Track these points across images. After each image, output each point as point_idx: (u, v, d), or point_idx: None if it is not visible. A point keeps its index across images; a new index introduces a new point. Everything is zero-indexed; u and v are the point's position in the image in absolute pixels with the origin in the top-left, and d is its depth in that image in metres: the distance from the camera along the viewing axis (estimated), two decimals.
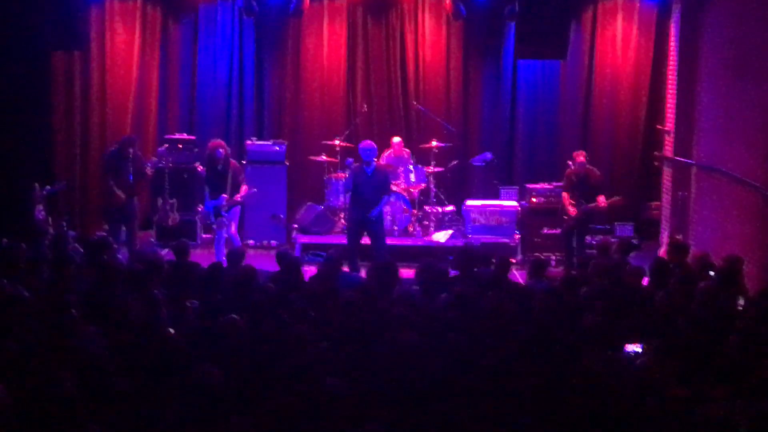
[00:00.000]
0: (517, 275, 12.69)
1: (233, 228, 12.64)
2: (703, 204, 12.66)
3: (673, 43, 13.74)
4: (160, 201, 14.10)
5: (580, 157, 13.12)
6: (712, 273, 9.52)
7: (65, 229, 12.63)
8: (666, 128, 13.87)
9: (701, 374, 6.68)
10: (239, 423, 5.81)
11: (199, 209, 13.42)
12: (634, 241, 14.29)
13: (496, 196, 14.71)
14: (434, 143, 14.44)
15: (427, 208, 14.48)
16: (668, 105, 13.85)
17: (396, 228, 14.06)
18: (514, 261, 13.59)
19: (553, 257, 13.39)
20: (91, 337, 7.23)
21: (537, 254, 13.04)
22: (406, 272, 10.21)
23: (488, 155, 14.88)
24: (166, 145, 14.51)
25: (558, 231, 13.66)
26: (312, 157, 14.81)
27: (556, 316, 7.97)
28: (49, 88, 14.49)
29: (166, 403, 6.18)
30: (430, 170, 14.39)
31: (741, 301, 8.69)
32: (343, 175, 14.00)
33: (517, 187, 14.91)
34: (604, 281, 9.07)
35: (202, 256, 12.73)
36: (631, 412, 6.11)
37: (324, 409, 5.99)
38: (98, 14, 14.76)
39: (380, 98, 15.58)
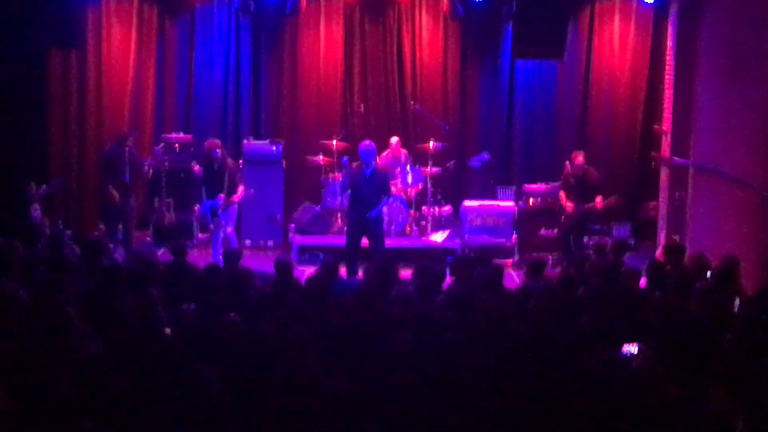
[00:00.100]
0: (514, 275, 12.70)
1: (230, 228, 12.62)
2: (700, 204, 12.66)
3: (670, 43, 13.73)
4: (156, 200, 14.09)
5: (579, 157, 13.13)
6: (708, 273, 9.51)
7: (61, 228, 12.61)
8: (663, 128, 13.87)
9: (698, 374, 6.68)
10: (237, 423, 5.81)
11: (196, 209, 13.41)
12: (631, 242, 14.37)
13: (494, 197, 14.72)
14: (431, 144, 14.44)
15: (424, 208, 14.48)
16: (665, 105, 13.84)
17: (393, 229, 14.05)
18: (511, 262, 13.65)
19: (550, 258, 13.37)
20: (87, 336, 7.22)
21: (534, 255, 13.04)
22: (404, 273, 10.20)
23: (485, 156, 14.88)
24: (163, 145, 14.49)
25: (555, 232, 13.67)
26: (309, 157, 14.80)
27: (553, 317, 7.97)
28: (45, 87, 14.49)
29: (162, 403, 6.17)
30: (427, 171, 14.38)
31: (737, 301, 8.68)
32: (340, 176, 13.99)
33: (515, 188, 14.92)
34: (601, 282, 9.06)
35: (198, 256, 12.74)
36: (628, 412, 6.10)
37: (321, 409, 5.98)
38: (95, 13, 14.73)
39: (377, 98, 15.59)
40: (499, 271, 9.78)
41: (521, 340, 7.40)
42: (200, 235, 14.51)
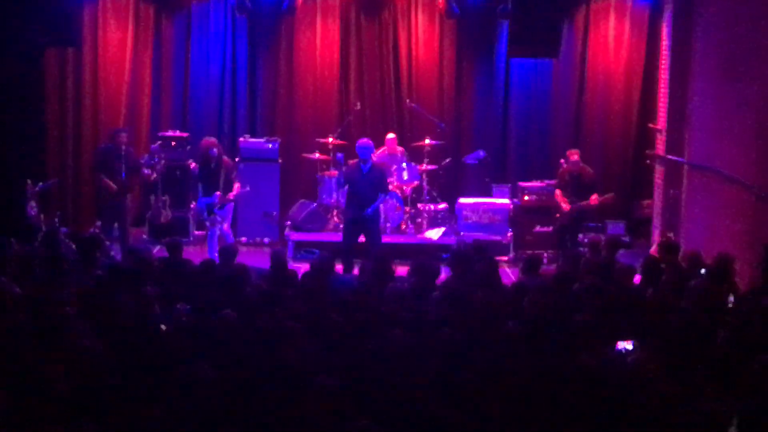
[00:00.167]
0: (509, 272, 12.73)
1: (226, 225, 12.64)
2: (695, 202, 12.70)
3: (665, 43, 13.78)
4: (152, 198, 14.09)
5: (574, 155, 13.17)
6: (702, 271, 9.55)
7: (57, 225, 12.62)
8: (658, 127, 13.90)
9: (692, 371, 6.71)
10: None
11: (192, 206, 13.41)
12: (625, 239, 14.40)
13: (489, 194, 14.73)
14: (427, 141, 14.45)
15: (419, 205, 14.50)
16: (660, 104, 13.89)
17: (389, 225, 14.07)
18: (506, 258, 13.68)
19: (545, 255, 13.41)
20: (84, 334, 7.23)
21: (529, 252, 13.10)
22: (399, 270, 10.24)
23: (481, 153, 14.90)
24: (159, 143, 14.50)
25: (550, 229, 13.71)
26: (305, 155, 14.81)
27: (548, 314, 7.99)
28: (42, 85, 14.50)
29: (158, 400, 6.19)
30: (422, 168, 14.40)
31: (731, 299, 8.72)
32: (335, 173, 14.01)
33: (510, 185, 14.94)
34: (595, 279, 9.09)
35: (194, 253, 12.73)
36: (623, 409, 6.13)
37: (316, 407, 6.00)
38: (91, 11, 14.74)
39: (373, 96, 15.60)
40: (495, 265, 9.82)
41: (516, 337, 7.43)
42: (196, 232, 14.53)
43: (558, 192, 13.29)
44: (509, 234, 14.11)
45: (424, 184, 14.46)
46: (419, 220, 14.42)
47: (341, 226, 13.51)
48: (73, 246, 11.05)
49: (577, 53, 15.35)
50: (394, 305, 8.23)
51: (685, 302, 8.40)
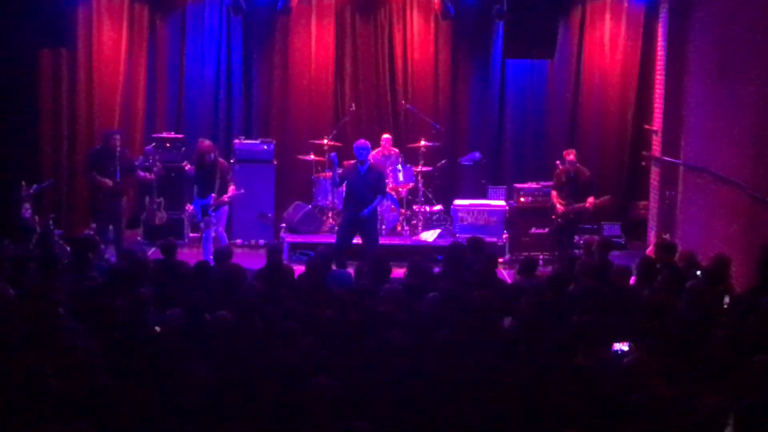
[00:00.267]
0: (505, 274, 12.71)
1: (220, 227, 12.61)
2: (690, 203, 12.69)
3: (660, 43, 13.77)
4: (147, 199, 14.07)
5: (570, 155, 13.17)
6: (698, 272, 9.54)
7: (51, 227, 12.59)
8: (654, 128, 13.90)
9: (688, 372, 6.70)
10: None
11: (187, 208, 13.39)
12: (621, 240, 14.41)
13: (485, 196, 14.74)
14: (423, 143, 14.44)
15: (415, 207, 14.48)
16: (656, 105, 13.88)
17: (384, 227, 14.05)
18: (502, 260, 13.66)
19: (541, 257, 13.39)
20: (77, 335, 7.21)
21: (525, 254, 13.09)
22: (395, 271, 10.21)
23: (476, 155, 14.90)
24: (154, 144, 14.47)
25: (546, 230, 13.69)
26: (300, 156, 14.79)
27: (544, 315, 7.98)
28: (36, 87, 14.47)
29: (153, 401, 6.17)
30: (418, 169, 14.39)
31: (726, 300, 8.71)
32: (330, 174, 13.98)
33: (505, 187, 14.94)
34: (590, 280, 9.08)
35: (189, 255, 12.73)
36: (619, 409, 6.12)
37: (311, 407, 5.98)
38: (85, 12, 14.70)
39: (368, 97, 15.58)
40: (493, 261, 9.80)
41: (513, 338, 7.41)
42: (191, 234, 14.50)
43: (554, 193, 13.28)
44: (505, 236, 14.11)
45: (420, 185, 14.45)
46: (414, 221, 14.41)
47: (336, 227, 13.50)
48: (68, 247, 11.04)
49: (573, 54, 15.35)
50: (391, 306, 8.22)
51: (681, 303, 8.38)
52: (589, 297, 8.37)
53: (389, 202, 14.06)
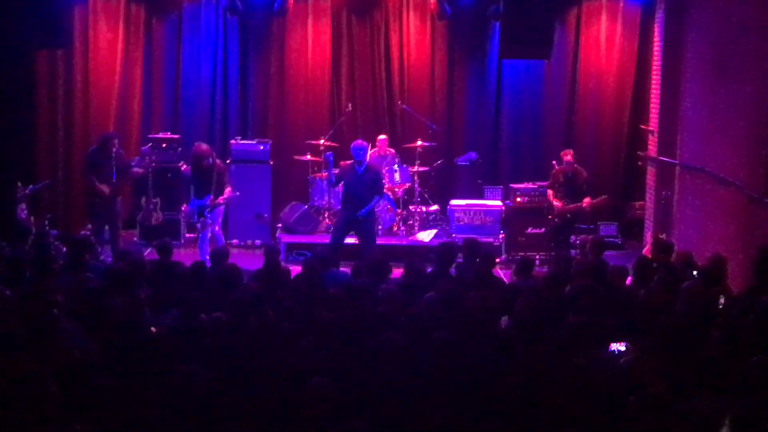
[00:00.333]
0: (502, 274, 12.71)
1: (217, 228, 12.60)
2: (686, 203, 12.70)
3: (657, 43, 13.78)
4: (143, 200, 14.06)
5: (568, 156, 13.19)
6: (695, 272, 9.54)
7: (47, 227, 12.57)
8: (650, 128, 13.91)
9: (684, 373, 6.70)
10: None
11: (183, 208, 13.38)
12: (618, 240, 14.41)
13: (481, 196, 14.75)
14: (419, 143, 14.45)
15: (411, 207, 14.49)
16: (652, 105, 13.89)
17: (380, 227, 14.05)
18: (498, 260, 13.66)
19: (537, 257, 13.40)
20: (73, 335, 7.20)
21: (521, 254, 13.10)
22: (394, 272, 10.21)
23: (473, 155, 14.90)
24: (150, 144, 14.46)
25: (542, 230, 13.70)
26: (296, 157, 14.79)
27: (541, 315, 7.98)
28: (32, 87, 14.46)
29: (150, 402, 6.16)
30: (414, 170, 14.39)
31: (722, 300, 8.71)
32: (326, 175, 13.97)
33: (502, 187, 14.95)
34: (586, 280, 9.08)
35: (186, 255, 12.72)
36: (616, 410, 6.12)
37: (309, 408, 5.98)
38: (81, 13, 14.70)
39: (365, 98, 15.58)
40: (491, 261, 9.79)
41: (508, 338, 7.41)
42: (187, 235, 14.50)
43: (550, 192, 13.30)
44: (501, 236, 14.11)
45: (416, 185, 14.45)
46: (411, 221, 14.41)
47: (332, 227, 13.51)
48: (63, 248, 11.02)
49: (569, 54, 15.36)
50: (388, 306, 8.21)
51: (678, 303, 8.38)
52: (585, 297, 8.37)
53: (386, 202, 14.06)
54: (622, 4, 15.11)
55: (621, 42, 15.17)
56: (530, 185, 14.21)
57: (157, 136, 14.79)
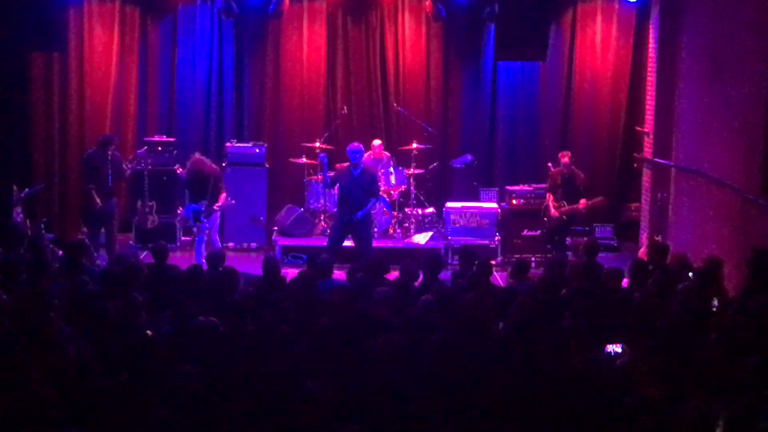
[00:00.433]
0: (498, 277, 12.71)
1: (213, 232, 12.59)
2: (682, 205, 12.71)
3: (651, 45, 13.79)
4: (139, 203, 14.05)
5: (565, 158, 13.22)
6: (690, 274, 9.55)
7: (43, 231, 12.56)
8: (645, 130, 13.92)
9: (679, 374, 6.70)
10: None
11: (179, 212, 13.37)
12: (613, 242, 14.42)
13: (477, 198, 14.75)
14: (414, 145, 14.45)
15: (407, 210, 14.49)
16: (647, 106, 13.89)
17: (376, 230, 14.04)
18: (494, 263, 13.66)
19: (533, 259, 13.41)
20: (69, 339, 7.19)
21: (517, 256, 13.11)
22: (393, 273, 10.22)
23: (468, 157, 14.90)
24: (146, 147, 14.45)
25: (538, 233, 13.71)
26: (292, 159, 14.79)
27: (537, 317, 7.98)
28: (27, 90, 14.43)
29: (145, 406, 6.16)
30: (410, 172, 14.40)
31: (715, 302, 8.72)
32: (321, 177, 13.97)
33: (497, 189, 14.95)
34: (581, 282, 9.08)
35: (181, 259, 12.71)
36: (611, 411, 6.13)
37: (304, 411, 5.98)
38: (76, 15, 14.69)
39: (360, 100, 15.58)
40: (488, 269, 9.76)
41: (504, 340, 7.41)
42: (183, 238, 14.48)
43: (549, 195, 13.34)
44: (497, 238, 14.11)
45: (412, 188, 14.46)
46: (407, 224, 14.41)
47: (329, 230, 13.52)
48: (59, 252, 11.01)
49: (564, 56, 15.38)
50: (384, 309, 8.21)
51: (673, 305, 8.39)
52: (580, 299, 8.38)
53: (381, 205, 14.06)
54: (617, 6, 15.13)
55: (616, 43, 15.18)
56: (526, 187, 14.21)
57: (152, 139, 14.78)
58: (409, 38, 15.45)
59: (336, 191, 12.76)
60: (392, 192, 14.32)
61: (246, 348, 7.26)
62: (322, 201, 14.30)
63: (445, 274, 10.40)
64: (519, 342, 7.34)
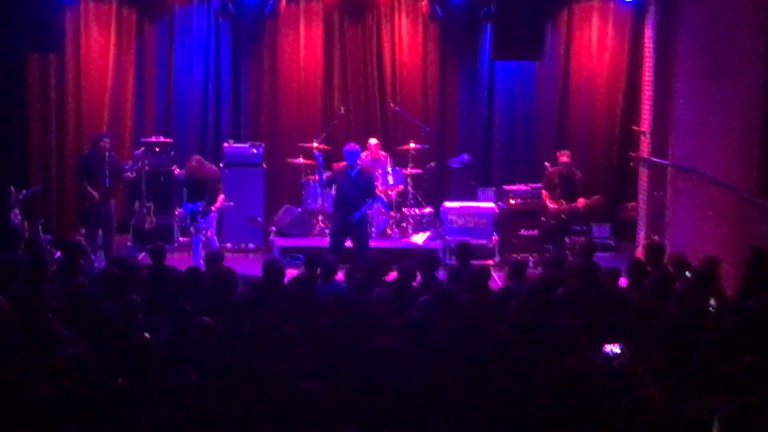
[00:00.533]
0: (495, 277, 12.72)
1: (211, 233, 12.59)
2: (679, 204, 12.72)
3: (648, 44, 13.80)
4: (137, 204, 14.04)
5: (564, 157, 13.25)
6: (688, 274, 9.56)
7: (41, 233, 12.56)
8: (642, 129, 13.92)
9: (677, 373, 6.71)
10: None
11: (176, 212, 13.37)
12: (611, 242, 14.44)
13: (474, 198, 14.75)
14: (412, 145, 14.46)
15: (404, 210, 14.49)
16: (644, 106, 13.90)
17: (374, 230, 14.05)
18: (492, 262, 13.67)
19: (531, 258, 13.42)
20: (67, 340, 7.20)
21: (515, 256, 13.16)
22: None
23: (465, 157, 14.90)
24: (143, 148, 14.43)
25: (536, 232, 13.72)
26: (289, 160, 14.79)
27: (534, 318, 7.99)
28: (24, 92, 14.43)
29: (143, 407, 6.16)
30: (407, 172, 14.40)
31: (712, 302, 8.73)
32: (317, 178, 13.96)
33: (495, 189, 14.96)
34: (580, 282, 9.09)
35: (179, 260, 12.68)
36: (608, 411, 6.13)
37: (301, 413, 5.98)
38: (73, 16, 14.67)
39: (357, 100, 15.58)
40: (486, 273, 9.75)
41: (502, 341, 7.42)
42: (181, 239, 14.47)
43: (545, 193, 13.35)
44: (494, 238, 14.12)
45: (409, 188, 14.46)
46: (404, 224, 14.41)
47: (326, 231, 13.52)
48: (57, 253, 11.01)
49: (561, 56, 15.37)
50: (383, 310, 8.22)
51: (671, 305, 8.40)
52: (578, 299, 8.38)
53: (379, 205, 14.06)
54: (613, 5, 15.13)
55: (612, 43, 15.18)
56: (523, 187, 14.22)
57: (149, 140, 14.78)
58: (406, 38, 15.45)
59: (333, 191, 12.76)
60: (390, 192, 14.33)
61: (244, 349, 7.26)
62: (319, 201, 14.30)
63: (442, 275, 10.40)
64: (517, 342, 7.35)
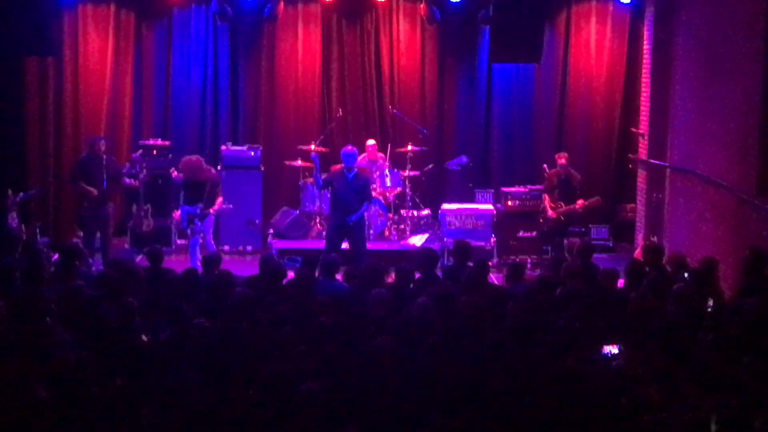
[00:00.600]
0: (494, 278, 12.72)
1: (208, 235, 12.58)
2: (678, 206, 12.73)
3: (646, 46, 13.81)
4: (134, 207, 14.03)
5: (562, 159, 13.25)
6: (686, 274, 9.56)
7: (38, 235, 12.54)
8: (640, 131, 13.93)
9: (675, 374, 6.71)
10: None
11: (174, 215, 13.37)
12: (609, 243, 14.44)
13: (472, 200, 14.75)
14: (410, 147, 14.47)
15: (402, 212, 14.49)
16: (642, 107, 13.92)
17: (372, 232, 14.05)
18: (490, 264, 13.65)
19: (529, 260, 13.42)
20: (65, 343, 7.18)
21: (513, 257, 13.14)
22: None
23: (463, 159, 14.90)
24: (141, 151, 14.43)
25: (534, 234, 13.72)
26: (287, 162, 14.79)
27: (533, 319, 7.98)
28: (22, 95, 14.42)
29: (141, 409, 6.15)
30: (405, 174, 14.40)
31: (710, 302, 8.73)
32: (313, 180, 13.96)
33: (493, 191, 14.96)
34: (578, 283, 9.09)
35: (177, 262, 12.66)
36: (608, 412, 6.13)
37: (300, 413, 5.98)
38: (71, 20, 14.68)
39: (355, 103, 15.58)
40: (485, 268, 9.76)
41: (500, 341, 7.41)
42: (178, 241, 14.46)
43: (546, 197, 13.36)
44: (493, 239, 14.11)
45: (407, 190, 14.46)
46: (402, 226, 14.42)
47: (324, 233, 13.51)
48: (54, 256, 11.00)
49: (559, 58, 15.38)
50: (380, 311, 8.21)
51: (669, 305, 8.40)
52: (576, 300, 8.38)
53: (377, 207, 14.07)
54: (611, 7, 15.13)
55: (610, 45, 15.19)
56: (521, 188, 14.23)
57: (147, 142, 14.77)
58: (404, 41, 15.45)
59: (329, 193, 12.75)
60: (388, 194, 14.33)
61: (243, 350, 7.26)
62: (317, 203, 14.30)
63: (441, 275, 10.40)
64: (516, 343, 7.34)
